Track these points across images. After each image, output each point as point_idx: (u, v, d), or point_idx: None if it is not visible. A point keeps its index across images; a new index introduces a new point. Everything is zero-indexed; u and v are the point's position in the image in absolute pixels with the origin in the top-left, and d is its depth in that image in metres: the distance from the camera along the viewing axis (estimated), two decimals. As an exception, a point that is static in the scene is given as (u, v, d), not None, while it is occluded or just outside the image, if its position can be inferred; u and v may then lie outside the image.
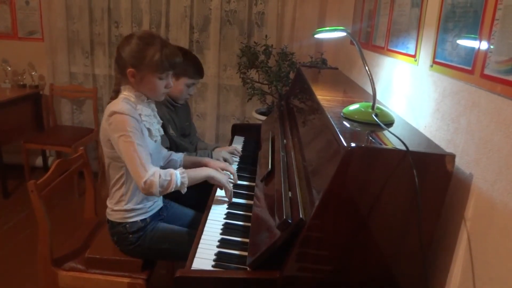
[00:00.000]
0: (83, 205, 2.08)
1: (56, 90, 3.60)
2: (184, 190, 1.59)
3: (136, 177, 1.48)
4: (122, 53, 1.53)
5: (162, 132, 1.73)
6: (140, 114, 1.55)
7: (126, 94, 1.57)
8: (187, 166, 1.95)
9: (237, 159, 2.20)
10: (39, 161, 3.84)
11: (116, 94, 1.61)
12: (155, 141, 1.65)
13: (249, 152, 2.29)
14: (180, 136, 2.20)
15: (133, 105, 1.55)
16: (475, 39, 1.10)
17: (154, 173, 1.48)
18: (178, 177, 1.54)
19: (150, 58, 1.51)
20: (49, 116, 3.73)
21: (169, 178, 1.51)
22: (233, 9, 3.37)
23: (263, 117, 2.92)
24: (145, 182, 1.46)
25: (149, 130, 1.60)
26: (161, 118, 1.99)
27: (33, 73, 3.62)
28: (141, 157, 1.47)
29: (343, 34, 1.45)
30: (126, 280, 1.67)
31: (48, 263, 1.67)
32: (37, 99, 3.65)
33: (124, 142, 1.47)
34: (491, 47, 1.02)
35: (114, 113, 1.49)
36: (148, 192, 1.49)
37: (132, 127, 1.48)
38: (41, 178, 1.65)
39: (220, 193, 1.75)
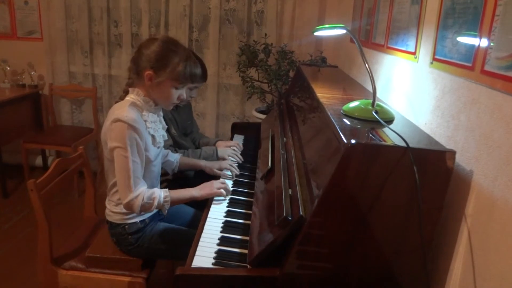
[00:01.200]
0: (83, 204, 2.08)
1: (55, 89, 3.60)
2: (165, 213, 1.61)
3: (121, 193, 1.51)
4: (144, 54, 1.50)
5: (166, 138, 1.73)
6: (145, 121, 1.53)
7: (133, 97, 1.55)
8: (182, 168, 1.95)
9: (239, 152, 2.19)
10: (38, 161, 3.83)
11: (125, 94, 1.59)
12: (158, 147, 1.64)
13: (249, 151, 2.29)
14: (181, 135, 2.20)
15: (139, 110, 1.53)
16: (475, 35, 1.10)
17: (138, 196, 1.49)
18: (161, 201, 1.55)
19: (174, 66, 1.50)
20: (48, 116, 3.73)
21: (151, 202, 1.53)
22: (232, 8, 3.36)
23: (262, 116, 2.91)
24: (127, 202, 1.50)
25: (153, 137, 1.58)
26: (163, 118, 1.99)
27: (32, 72, 3.61)
28: (131, 176, 1.47)
29: (343, 31, 1.45)
30: (126, 279, 1.67)
31: (48, 262, 1.67)
32: (37, 99, 3.65)
33: (119, 154, 1.47)
34: (492, 43, 1.02)
35: (118, 120, 1.46)
36: (128, 209, 1.54)
37: (132, 140, 1.46)
38: (40, 178, 1.64)
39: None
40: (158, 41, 1.52)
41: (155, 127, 1.59)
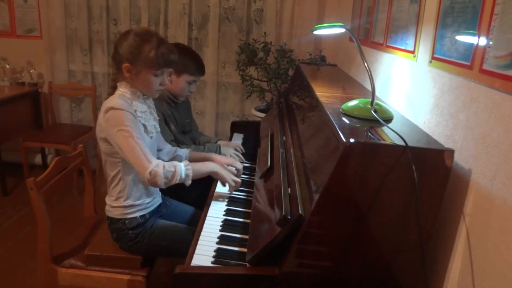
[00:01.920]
0: (83, 202, 2.08)
1: (54, 88, 3.60)
2: (188, 183, 1.59)
3: (140, 168, 1.48)
4: (119, 48, 1.55)
5: (159, 129, 1.73)
6: (135, 110, 1.56)
7: (122, 90, 1.59)
8: (192, 161, 1.94)
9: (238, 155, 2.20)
10: (38, 159, 3.84)
11: (113, 90, 1.63)
12: (151, 137, 1.65)
13: (248, 150, 2.29)
14: (180, 132, 2.20)
15: (128, 101, 1.56)
16: (474, 34, 1.10)
17: (158, 164, 1.49)
18: (183, 169, 1.55)
19: (146, 54, 1.53)
20: (48, 114, 3.73)
21: (173, 169, 1.52)
22: (232, 6, 3.36)
23: (262, 114, 2.91)
24: (150, 173, 1.47)
25: (144, 126, 1.60)
26: (163, 114, 1.99)
27: (31, 71, 3.61)
28: (143, 150, 1.49)
29: (342, 30, 1.45)
30: (126, 277, 1.67)
31: (48, 260, 1.67)
32: (36, 97, 3.65)
33: (123, 136, 1.48)
34: (490, 42, 1.02)
35: (110, 108, 1.50)
36: (153, 183, 1.50)
37: (130, 121, 1.50)
38: (40, 176, 1.64)
39: (219, 189, 1.75)
40: (131, 33, 1.56)
41: (145, 117, 1.62)
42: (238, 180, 1.72)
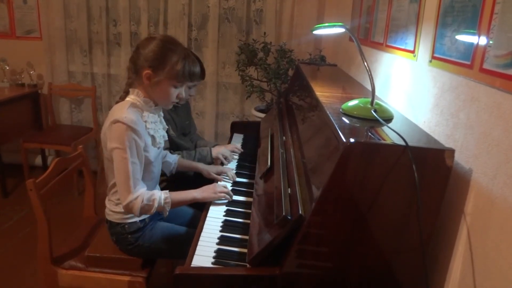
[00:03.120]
0: (83, 203, 2.08)
1: (54, 89, 3.59)
2: (165, 215, 1.59)
3: (120, 195, 1.50)
4: (142, 53, 1.50)
5: (167, 138, 1.73)
6: (145, 122, 1.53)
7: (134, 98, 1.54)
8: (180, 169, 1.95)
9: (237, 156, 2.19)
10: (38, 160, 3.83)
11: (125, 95, 1.59)
12: (158, 148, 1.63)
13: (248, 150, 2.29)
14: (180, 135, 2.20)
15: (139, 112, 1.53)
16: (474, 33, 1.10)
17: (137, 197, 1.49)
18: (161, 203, 1.54)
19: (172, 65, 1.49)
20: (47, 115, 3.73)
21: (150, 203, 1.52)
22: (232, 7, 3.36)
23: (262, 115, 2.91)
24: (127, 204, 1.49)
25: (153, 137, 1.58)
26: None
27: (31, 72, 3.61)
28: (130, 178, 1.47)
29: (342, 30, 1.45)
30: (126, 278, 1.67)
31: (48, 262, 1.67)
32: (36, 98, 3.65)
33: (118, 156, 1.47)
34: (490, 41, 1.02)
35: (117, 121, 1.45)
36: (127, 211, 1.53)
37: (131, 141, 1.46)
38: (40, 177, 1.64)
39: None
40: (156, 40, 1.51)
41: (155, 127, 1.59)
42: (225, 190, 1.68)
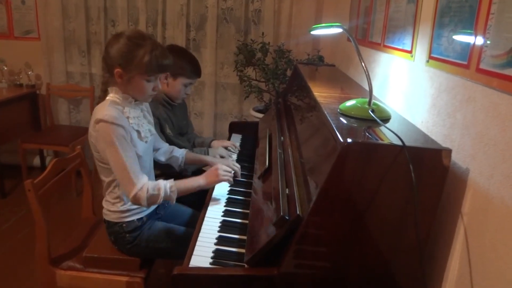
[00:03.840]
0: (81, 204, 2.08)
1: (53, 89, 3.59)
2: (173, 202, 1.60)
3: (125, 188, 1.51)
4: (110, 52, 1.49)
5: (154, 132, 1.72)
6: (128, 117, 1.53)
7: (113, 95, 1.54)
8: (188, 163, 1.95)
9: (235, 156, 2.19)
10: (36, 161, 3.83)
11: (104, 94, 1.59)
12: (146, 142, 1.63)
13: (246, 150, 2.29)
14: (177, 134, 2.20)
15: (120, 108, 1.52)
16: (470, 33, 1.10)
17: (142, 187, 1.49)
18: (167, 191, 1.54)
19: (139, 60, 1.47)
20: (46, 116, 3.72)
21: (156, 193, 1.52)
22: (230, 7, 3.36)
23: (260, 115, 2.91)
24: (133, 197, 1.49)
25: (138, 132, 1.58)
26: (158, 118, 1.99)
27: (29, 72, 3.61)
28: (129, 170, 1.47)
29: (339, 30, 1.45)
30: (124, 279, 1.67)
31: (46, 262, 1.67)
32: (34, 99, 3.64)
33: (111, 153, 1.47)
34: (487, 41, 1.02)
35: (100, 121, 1.46)
36: (136, 204, 1.53)
37: (119, 136, 1.46)
38: (38, 178, 1.64)
39: (218, 190, 1.75)
40: (123, 37, 1.49)
41: (138, 122, 1.59)
42: (228, 173, 1.69)
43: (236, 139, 2.50)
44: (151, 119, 1.72)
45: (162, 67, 1.54)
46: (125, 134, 1.49)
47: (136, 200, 1.51)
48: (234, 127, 2.63)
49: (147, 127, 1.66)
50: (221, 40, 3.43)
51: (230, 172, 1.71)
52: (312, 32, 1.51)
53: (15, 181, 3.51)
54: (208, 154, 2.10)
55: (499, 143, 0.95)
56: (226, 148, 2.21)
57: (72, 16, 3.48)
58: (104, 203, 1.68)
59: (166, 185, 1.54)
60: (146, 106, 1.70)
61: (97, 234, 1.84)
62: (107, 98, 1.56)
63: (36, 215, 1.62)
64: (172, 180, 1.59)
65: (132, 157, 1.50)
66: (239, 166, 1.89)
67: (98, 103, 1.58)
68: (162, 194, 1.53)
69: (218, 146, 2.22)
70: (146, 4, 3.37)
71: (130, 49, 1.48)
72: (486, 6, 1.03)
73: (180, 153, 1.91)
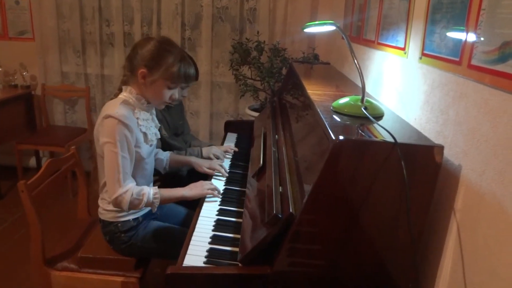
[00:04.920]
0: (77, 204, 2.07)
1: (48, 90, 3.58)
2: (154, 210, 1.60)
3: (109, 188, 1.50)
4: (139, 52, 1.52)
5: (159, 135, 1.73)
6: (137, 118, 1.54)
7: (126, 95, 1.56)
8: (172, 165, 1.95)
9: (230, 156, 2.19)
10: (32, 162, 3.81)
11: (119, 92, 1.60)
12: (151, 145, 1.64)
13: (242, 149, 2.28)
14: (172, 135, 2.19)
15: (131, 108, 1.53)
16: (462, 30, 1.10)
17: (127, 191, 1.49)
18: (150, 198, 1.54)
19: (168, 66, 1.51)
20: (41, 117, 3.71)
21: (140, 198, 1.52)
22: (225, 6, 3.35)
23: (256, 114, 2.91)
24: (116, 198, 1.49)
25: (145, 134, 1.58)
26: None
27: (24, 73, 3.59)
28: (120, 172, 1.47)
29: (333, 28, 1.45)
30: (119, 279, 1.66)
31: (41, 263, 1.66)
32: (29, 100, 3.63)
33: (109, 150, 1.47)
34: (478, 37, 1.02)
35: (108, 116, 1.47)
36: (115, 206, 1.53)
37: (122, 136, 1.46)
38: (31, 178, 1.63)
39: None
40: (154, 40, 1.54)
41: (147, 124, 1.60)
42: (213, 187, 1.70)
43: (232, 138, 2.50)
44: (157, 123, 1.73)
45: (187, 78, 1.57)
46: (129, 135, 1.49)
47: (117, 202, 1.50)
48: (230, 126, 2.63)
49: (154, 130, 1.67)
50: (216, 39, 3.42)
51: (215, 190, 1.70)
52: (306, 30, 1.51)
53: (11, 182, 3.49)
54: (201, 154, 2.09)
55: (491, 139, 0.95)
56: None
57: (67, 16, 3.46)
58: (100, 202, 1.68)
59: (150, 192, 1.54)
60: (154, 110, 1.71)
61: (92, 234, 1.84)
62: (120, 96, 1.57)
63: (30, 216, 1.61)
64: (156, 187, 1.59)
65: (127, 160, 1.50)
66: (226, 168, 1.91)
67: (111, 99, 1.59)
68: (145, 199, 1.53)
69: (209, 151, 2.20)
70: (141, 3, 3.36)
71: (160, 54, 1.51)
72: (477, 2, 1.03)
73: (164, 156, 1.91)
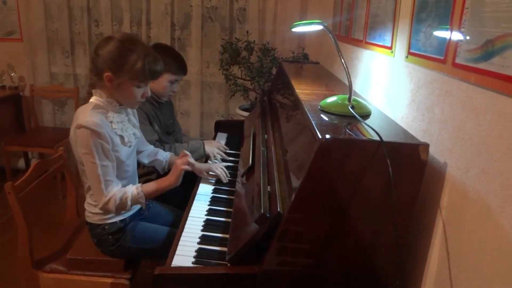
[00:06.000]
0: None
1: (36, 90, 3.55)
2: (144, 207, 1.62)
3: (96, 198, 1.53)
4: (100, 55, 1.46)
5: (139, 135, 1.70)
6: (111, 122, 1.50)
7: (96, 98, 1.52)
8: (171, 167, 1.93)
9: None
10: (21, 163, 3.78)
11: (89, 96, 1.56)
12: (129, 146, 1.60)
13: (232, 149, 2.28)
14: (164, 133, 2.19)
15: (104, 112, 1.50)
16: (446, 28, 1.11)
17: (110, 198, 1.50)
18: (134, 197, 1.55)
19: (131, 65, 1.44)
20: (30, 118, 3.67)
21: (123, 201, 1.53)
22: (214, 6, 3.35)
23: (246, 113, 2.91)
24: (102, 207, 1.52)
25: (121, 137, 1.55)
26: (146, 114, 1.97)
27: (12, 74, 3.56)
28: (101, 181, 1.48)
29: (320, 27, 1.45)
30: (108, 280, 1.65)
31: (28, 266, 1.65)
32: (18, 101, 3.59)
33: (87, 161, 1.47)
34: (462, 36, 1.03)
35: (81, 126, 1.44)
36: (106, 212, 1.57)
37: (97, 145, 1.45)
38: (18, 180, 1.62)
39: (202, 189, 1.74)
40: (114, 40, 1.46)
41: (122, 127, 1.56)
42: (186, 167, 1.65)
43: (222, 138, 2.49)
44: (136, 122, 1.70)
45: (154, 74, 1.51)
46: (104, 142, 1.46)
47: (105, 210, 1.53)
48: (220, 126, 2.62)
49: (132, 131, 1.63)
50: (206, 39, 3.42)
51: (188, 161, 1.66)
52: (294, 29, 1.51)
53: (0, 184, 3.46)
54: (204, 148, 2.08)
55: (475, 137, 0.96)
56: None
57: (55, 16, 3.44)
58: (86, 205, 1.66)
59: (132, 192, 1.55)
60: (130, 109, 1.67)
61: (81, 236, 1.82)
62: (91, 100, 1.53)
63: (17, 217, 1.59)
64: (139, 185, 1.58)
65: (107, 167, 1.49)
66: (226, 171, 1.88)
67: (82, 105, 1.56)
68: (129, 202, 1.53)
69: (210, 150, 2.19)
70: (130, 3, 3.34)
71: (121, 54, 1.45)
72: (461, 1, 1.04)
73: (164, 156, 1.89)
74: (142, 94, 1.54)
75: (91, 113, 1.46)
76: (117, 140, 1.53)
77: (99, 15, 3.41)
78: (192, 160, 1.68)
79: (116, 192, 1.51)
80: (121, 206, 1.53)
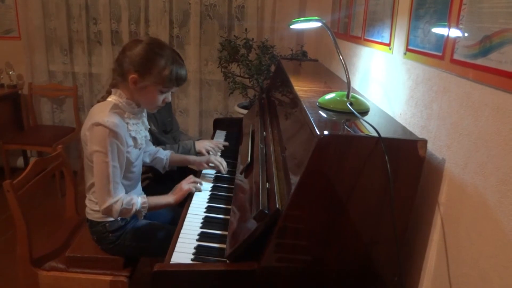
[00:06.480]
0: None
1: (35, 89, 3.54)
2: (140, 218, 1.61)
3: (99, 197, 1.50)
4: (128, 56, 1.46)
5: (149, 138, 1.72)
6: (127, 123, 1.51)
7: (115, 99, 1.51)
8: (173, 164, 1.94)
9: (219, 153, 2.18)
10: (20, 162, 3.78)
11: (108, 95, 1.56)
12: (140, 148, 1.62)
13: (231, 146, 2.28)
14: (161, 132, 2.19)
15: (121, 113, 1.50)
16: (444, 25, 1.11)
17: (117, 201, 1.49)
18: (139, 207, 1.55)
19: (159, 71, 1.46)
20: (28, 116, 3.67)
21: (129, 207, 1.52)
22: (213, 3, 3.34)
23: (245, 111, 2.91)
24: (106, 207, 1.48)
25: (134, 138, 1.56)
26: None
27: (10, 72, 3.55)
28: (111, 181, 1.47)
29: (318, 24, 1.45)
30: (108, 278, 1.66)
31: (27, 264, 1.65)
32: (16, 99, 3.59)
33: (99, 159, 1.45)
34: (460, 32, 1.03)
35: (99, 124, 1.43)
36: (105, 214, 1.53)
37: (113, 145, 1.44)
38: (17, 178, 1.62)
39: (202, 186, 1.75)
40: (143, 43, 1.47)
41: (136, 128, 1.57)
42: (191, 184, 1.70)
43: (220, 135, 2.49)
44: (147, 124, 1.71)
45: (180, 80, 1.53)
46: (120, 144, 1.46)
47: (107, 211, 1.50)
48: (218, 124, 2.62)
49: (144, 133, 1.64)
50: (204, 37, 3.41)
51: (196, 183, 1.71)
52: (292, 27, 1.51)
53: (-1, 183, 3.46)
54: (195, 148, 2.08)
55: (472, 133, 0.96)
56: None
57: (53, 14, 3.43)
58: (87, 202, 1.66)
59: (139, 202, 1.55)
60: (145, 112, 1.68)
61: (80, 233, 1.82)
62: (109, 99, 1.53)
63: (16, 216, 1.59)
64: (145, 196, 1.60)
65: (117, 169, 1.49)
66: (225, 163, 1.88)
67: (98, 101, 1.56)
68: (133, 209, 1.53)
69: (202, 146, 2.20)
70: (128, 1, 3.33)
71: (150, 58, 1.45)
72: (459, -3, 1.04)
73: (164, 155, 1.89)
74: (163, 100, 1.55)
75: (110, 113, 1.46)
76: (131, 142, 1.54)
77: (97, 13, 3.40)
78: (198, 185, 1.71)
79: (123, 196, 1.51)
80: (124, 212, 1.52)
